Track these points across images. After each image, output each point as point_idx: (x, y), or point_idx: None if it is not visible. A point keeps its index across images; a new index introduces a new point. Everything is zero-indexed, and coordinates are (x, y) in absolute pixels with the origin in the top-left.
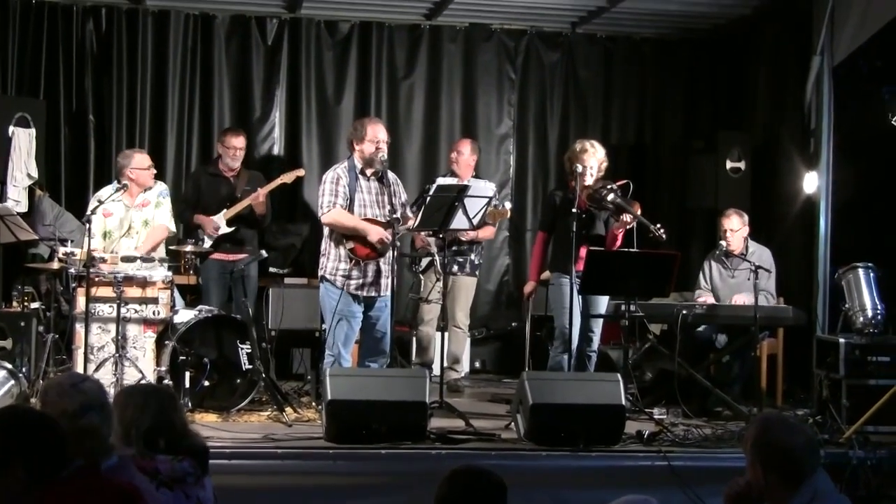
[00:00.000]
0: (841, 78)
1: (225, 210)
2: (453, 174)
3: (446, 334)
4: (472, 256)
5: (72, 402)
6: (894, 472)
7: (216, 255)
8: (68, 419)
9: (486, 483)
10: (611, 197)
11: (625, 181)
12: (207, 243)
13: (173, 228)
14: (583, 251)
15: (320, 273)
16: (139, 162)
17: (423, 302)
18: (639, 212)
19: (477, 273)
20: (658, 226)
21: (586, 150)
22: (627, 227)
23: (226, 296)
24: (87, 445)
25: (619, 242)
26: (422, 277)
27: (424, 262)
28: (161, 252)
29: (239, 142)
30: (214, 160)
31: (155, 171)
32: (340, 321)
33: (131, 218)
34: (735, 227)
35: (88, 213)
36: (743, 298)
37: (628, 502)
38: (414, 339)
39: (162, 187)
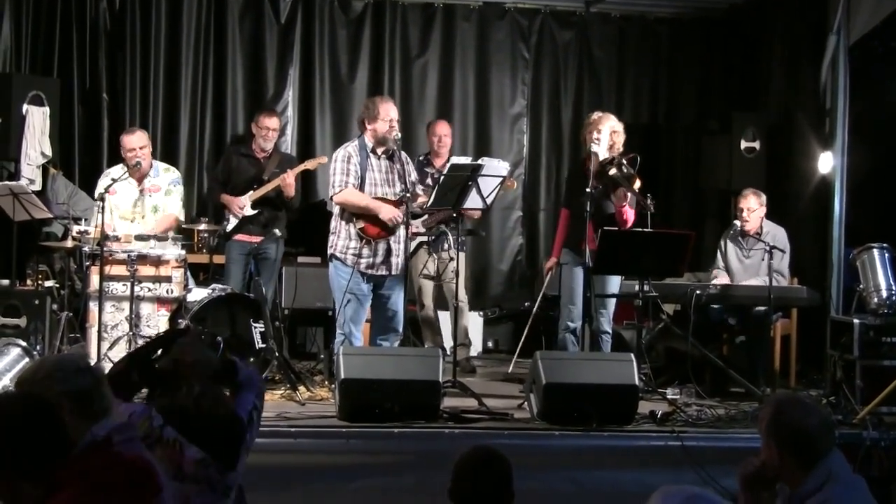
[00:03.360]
0: (856, 58)
1: (251, 192)
2: (435, 155)
3: (453, 312)
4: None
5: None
6: None
7: (238, 237)
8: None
9: (493, 463)
10: (612, 172)
11: (633, 154)
12: (231, 224)
13: (182, 218)
14: (591, 230)
15: (329, 251)
16: (123, 145)
17: (435, 282)
18: (637, 184)
19: (465, 248)
20: (648, 196)
21: (597, 118)
22: (626, 201)
23: (247, 277)
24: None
25: (627, 218)
26: (429, 256)
27: (412, 244)
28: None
29: (272, 122)
30: (248, 140)
31: (140, 155)
32: (350, 300)
33: (144, 203)
34: (752, 206)
35: (102, 191)
36: (755, 282)
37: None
38: (421, 323)
39: (175, 175)
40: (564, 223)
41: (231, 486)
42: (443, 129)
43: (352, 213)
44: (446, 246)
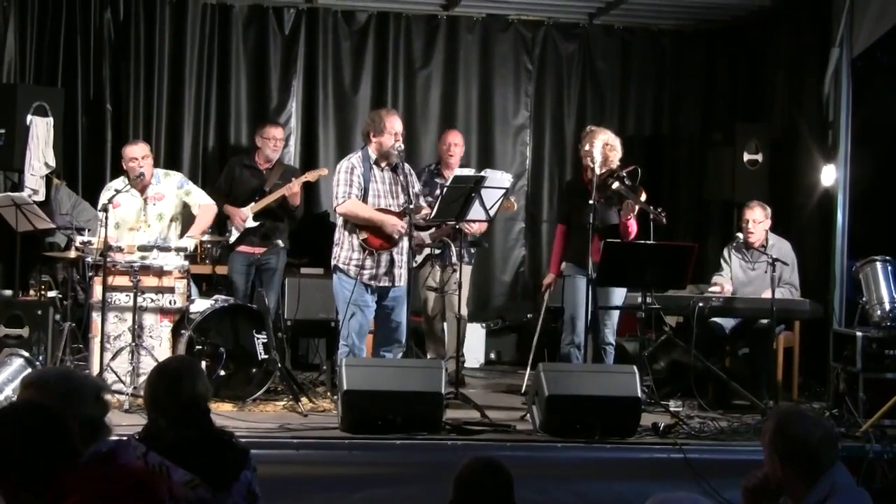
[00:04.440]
0: (859, 70)
1: (253, 203)
2: (445, 165)
3: (453, 324)
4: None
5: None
6: None
7: (241, 248)
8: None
9: (493, 474)
10: (615, 185)
11: (633, 167)
12: (234, 235)
13: (212, 202)
14: (595, 242)
15: (333, 262)
16: (125, 155)
17: (439, 293)
18: (643, 198)
19: (472, 261)
20: (660, 209)
21: (587, 133)
22: (633, 213)
23: (250, 288)
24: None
25: (631, 230)
26: (432, 268)
27: (420, 256)
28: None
29: (278, 132)
30: (251, 151)
31: (142, 165)
32: (354, 311)
33: (147, 212)
34: (758, 218)
35: (105, 202)
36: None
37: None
38: (425, 334)
39: (178, 177)
40: (562, 238)
41: None
42: (454, 137)
43: (355, 224)
44: (453, 259)
